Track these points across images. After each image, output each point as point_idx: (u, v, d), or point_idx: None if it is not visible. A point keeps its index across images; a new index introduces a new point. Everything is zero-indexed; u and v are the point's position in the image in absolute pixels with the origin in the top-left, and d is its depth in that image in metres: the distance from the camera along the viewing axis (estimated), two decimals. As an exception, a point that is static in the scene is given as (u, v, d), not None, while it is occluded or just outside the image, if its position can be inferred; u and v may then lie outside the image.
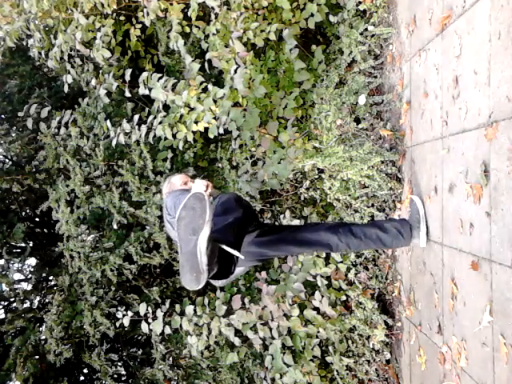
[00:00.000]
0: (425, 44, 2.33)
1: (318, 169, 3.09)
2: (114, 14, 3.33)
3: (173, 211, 2.21)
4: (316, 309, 3.00)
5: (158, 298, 3.60)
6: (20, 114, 3.65)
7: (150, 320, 3.18)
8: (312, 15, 2.91)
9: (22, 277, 4.31)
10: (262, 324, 3.02)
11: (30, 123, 3.50)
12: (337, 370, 2.99)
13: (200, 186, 2.05)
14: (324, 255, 3.05)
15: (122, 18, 3.46)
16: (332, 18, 2.94)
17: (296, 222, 3.14)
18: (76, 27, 3.20)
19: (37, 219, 4.62)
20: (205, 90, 3.08)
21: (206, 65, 3.14)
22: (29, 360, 3.70)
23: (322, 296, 2.97)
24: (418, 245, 2.36)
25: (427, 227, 2.33)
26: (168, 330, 3.17)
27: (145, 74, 3.17)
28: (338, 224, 2.50)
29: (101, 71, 3.51)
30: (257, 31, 2.89)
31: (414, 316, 2.60)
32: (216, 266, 1.70)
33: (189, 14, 3.03)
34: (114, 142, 3.38)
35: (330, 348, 2.99)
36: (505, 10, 1.59)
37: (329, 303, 2.96)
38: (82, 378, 4.39)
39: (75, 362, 4.05)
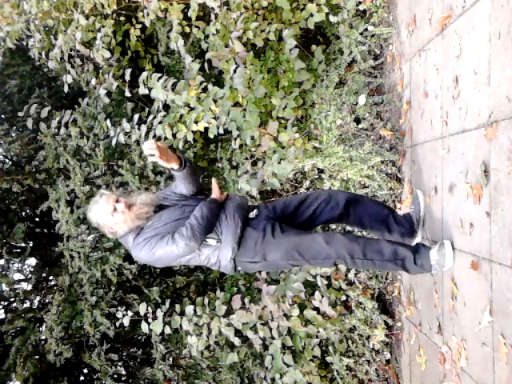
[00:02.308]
0: (425, 44, 2.33)
1: (318, 169, 3.09)
2: (114, 15, 3.33)
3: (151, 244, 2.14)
4: (316, 309, 3.00)
5: (157, 298, 3.59)
6: (20, 113, 3.64)
7: (150, 320, 3.18)
8: (312, 15, 2.91)
9: (22, 277, 4.30)
10: (262, 324, 3.02)
11: (29, 123, 3.50)
12: (337, 370, 2.99)
13: (150, 145, 2.04)
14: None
15: (121, 18, 3.46)
16: (332, 18, 2.94)
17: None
18: (76, 28, 3.21)
19: (37, 219, 4.62)
20: (205, 89, 3.08)
21: (206, 65, 3.14)
22: (29, 360, 3.70)
23: (322, 296, 2.97)
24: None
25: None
26: (168, 330, 3.16)
27: (145, 74, 3.17)
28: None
29: (101, 71, 3.51)
30: (257, 31, 2.88)
31: (414, 316, 2.60)
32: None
33: (189, 14, 3.03)
34: (113, 142, 3.38)
35: (330, 348, 2.99)
36: (505, 10, 1.59)
37: (329, 303, 2.95)
38: (82, 378, 4.38)
39: (75, 362, 4.04)
